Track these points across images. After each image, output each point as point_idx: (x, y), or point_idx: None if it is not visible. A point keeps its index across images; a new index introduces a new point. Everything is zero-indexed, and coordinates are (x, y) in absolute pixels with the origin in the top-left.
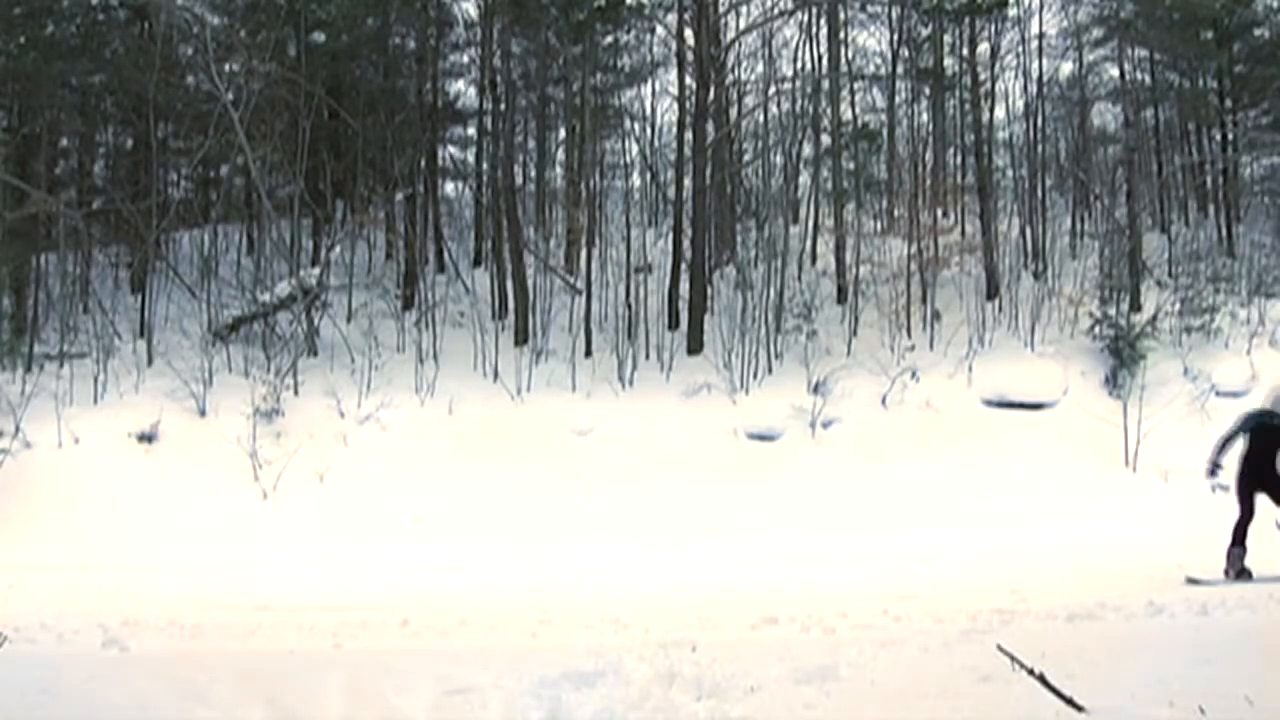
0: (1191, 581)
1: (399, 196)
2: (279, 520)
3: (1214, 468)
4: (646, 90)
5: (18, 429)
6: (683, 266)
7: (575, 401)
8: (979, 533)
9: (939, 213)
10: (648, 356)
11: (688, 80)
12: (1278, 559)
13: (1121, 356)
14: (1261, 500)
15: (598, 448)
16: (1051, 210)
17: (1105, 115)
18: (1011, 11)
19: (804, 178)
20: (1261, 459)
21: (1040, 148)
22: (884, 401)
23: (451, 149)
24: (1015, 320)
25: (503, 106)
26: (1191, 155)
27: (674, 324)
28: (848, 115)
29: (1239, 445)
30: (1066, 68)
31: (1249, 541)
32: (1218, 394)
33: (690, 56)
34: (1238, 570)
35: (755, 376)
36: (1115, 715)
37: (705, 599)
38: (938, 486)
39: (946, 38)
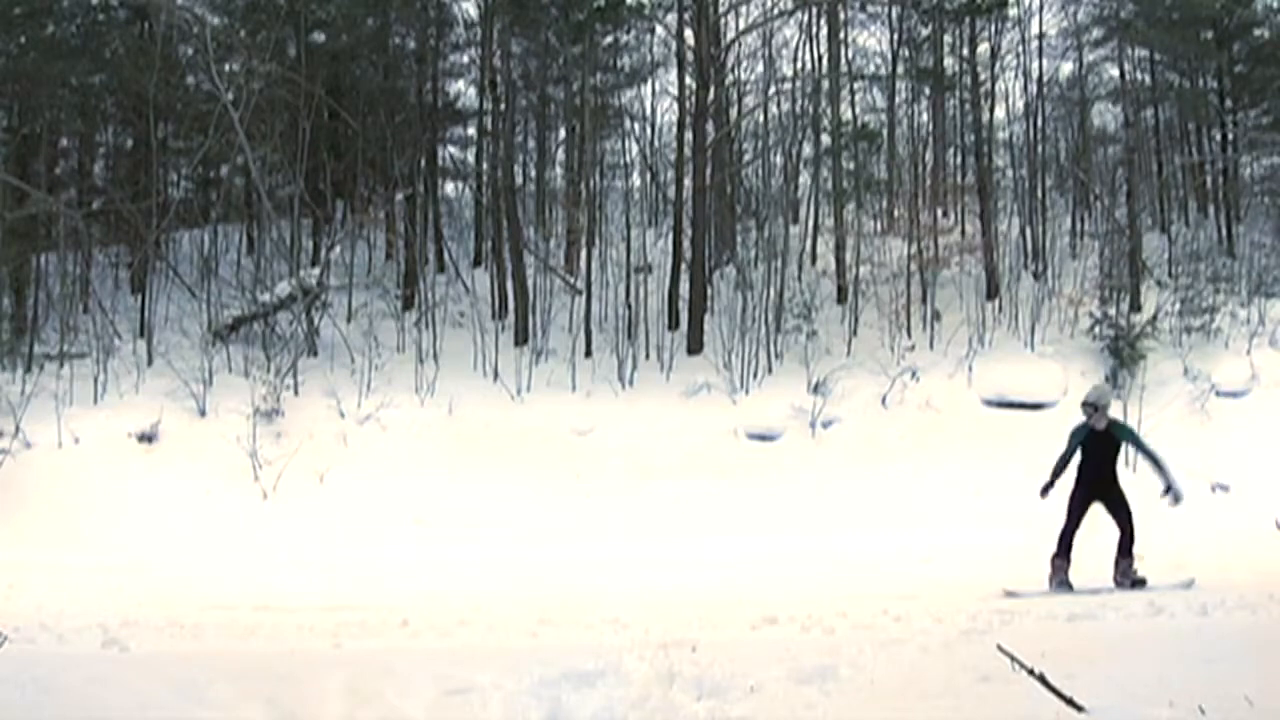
0: (1010, 594)
1: (399, 196)
2: (279, 520)
3: (1046, 488)
4: (646, 90)
5: (18, 429)
6: (683, 266)
7: (575, 401)
8: (979, 533)
9: (939, 213)
10: (648, 356)
11: (688, 80)
12: (1277, 559)
13: (1121, 356)
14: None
15: (598, 448)
16: (1051, 210)
17: (1105, 115)
18: (1011, 11)
19: (804, 178)
20: (1099, 470)
21: (1040, 148)
22: (884, 401)
23: (451, 149)
24: (1015, 320)
25: (503, 106)
26: (1191, 155)
27: (674, 324)
28: (848, 115)
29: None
30: (1066, 68)
31: (1074, 554)
32: (1218, 394)
33: (690, 56)
34: (1059, 581)
35: (755, 376)
36: (1115, 715)
37: (705, 599)
38: (938, 486)
39: (946, 38)
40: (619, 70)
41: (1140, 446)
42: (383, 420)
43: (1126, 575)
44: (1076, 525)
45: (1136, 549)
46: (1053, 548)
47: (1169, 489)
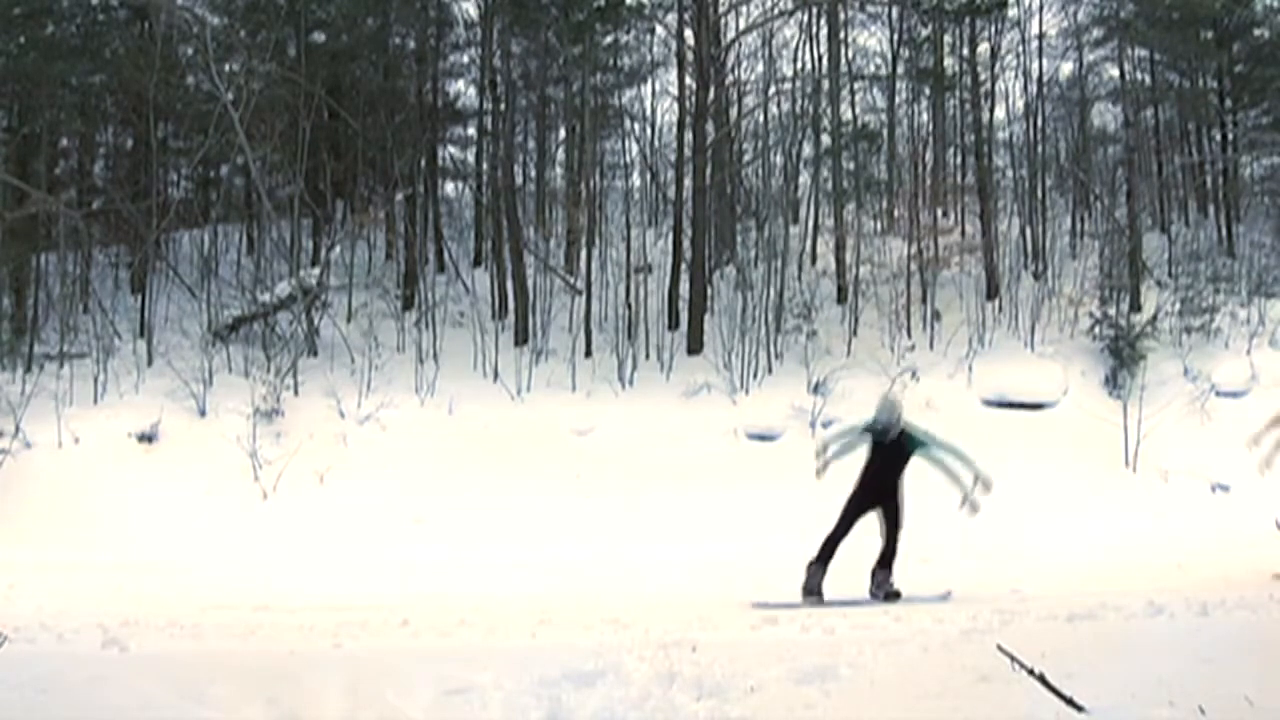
0: (759, 605)
1: (399, 196)
2: (279, 520)
3: (823, 467)
4: (646, 90)
5: (18, 429)
6: (683, 266)
7: (575, 401)
8: (978, 533)
9: (939, 213)
10: (648, 356)
11: (688, 80)
12: (1277, 559)
13: (1121, 356)
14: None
15: (598, 448)
16: (1051, 210)
17: (1105, 115)
18: (1011, 12)
19: (804, 178)
20: (881, 482)
21: (1040, 148)
22: None
23: (451, 149)
24: (1015, 320)
25: (503, 106)
26: (1191, 155)
27: (674, 324)
28: (848, 115)
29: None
30: (1066, 68)
31: (832, 564)
32: (1218, 394)
33: (690, 56)
34: (809, 589)
35: (755, 376)
36: (1115, 715)
37: (705, 599)
38: (937, 486)
39: (946, 38)
40: (619, 70)
41: (938, 456)
42: (383, 420)
43: (881, 587)
44: (844, 533)
45: (897, 563)
46: (813, 553)
47: (965, 499)
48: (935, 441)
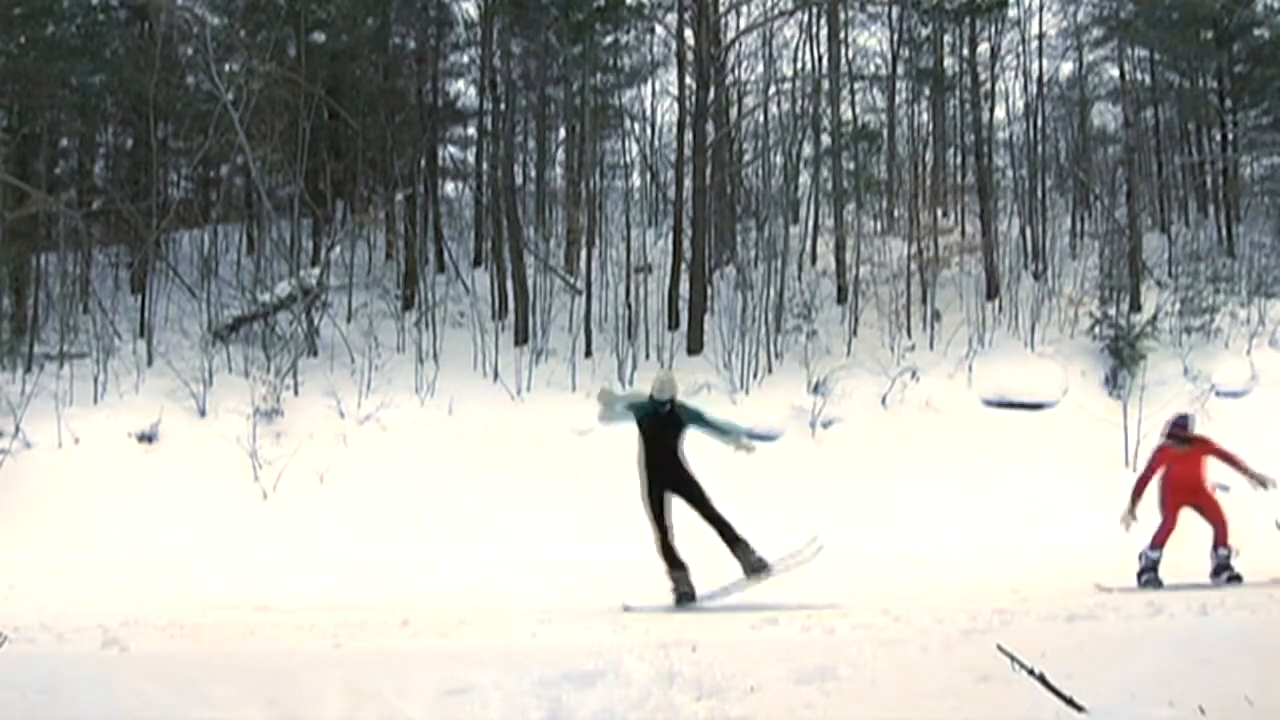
0: (627, 609)
1: (399, 196)
2: (279, 520)
3: (605, 416)
4: (646, 90)
5: (18, 429)
6: (683, 266)
7: (575, 401)
8: (979, 533)
9: (939, 213)
10: (648, 356)
11: (688, 80)
12: (1277, 559)
13: (1121, 356)
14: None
15: (598, 448)
16: (1051, 210)
17: (1105, 115)
18: (1011, 12)
19: (804, 178)
20: (662, 456)
21: (1040, 148)
22: (884, 401)
23: (451, 149)
24: (1015, 320)
25: (503, 106)
26: (1191, 155)
27: (674, 324)
28: (848, 115)
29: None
30: (1066, 68)
31: (686, 557)
32: (1218, 394)
33: (690, 56)
34: (681, 593)
35: (755, 376)
36: (1115, 715)
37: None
38: (938, 486)
39: (946, 38)
40: (619, 70)
41: (706, 423)
42: (383, 420)
43: (747, 557)
44: (665, 531)
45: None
46: (661, 565)
47: (739, 447)
48: (705, 415)
